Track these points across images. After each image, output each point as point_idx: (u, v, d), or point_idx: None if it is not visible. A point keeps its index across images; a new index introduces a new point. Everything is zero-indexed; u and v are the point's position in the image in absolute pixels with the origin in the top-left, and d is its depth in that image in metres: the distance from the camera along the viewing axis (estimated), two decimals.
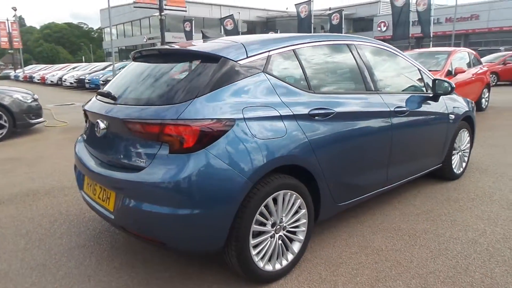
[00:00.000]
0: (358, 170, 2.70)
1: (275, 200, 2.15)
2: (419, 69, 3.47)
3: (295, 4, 19.77)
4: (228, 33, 22.98)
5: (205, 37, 3.48)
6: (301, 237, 2.34)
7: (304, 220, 2.34)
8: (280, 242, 2.24)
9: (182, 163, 1.87)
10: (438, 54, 8.06)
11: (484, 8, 33.05)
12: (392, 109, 2.91)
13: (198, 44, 2.49)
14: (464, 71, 7.60)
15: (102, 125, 2.24)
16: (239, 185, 1.94)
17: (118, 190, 2.09)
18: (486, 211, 3.20)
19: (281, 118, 2.16)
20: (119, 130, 2.16)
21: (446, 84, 3.33)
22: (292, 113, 2.21)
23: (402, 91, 3.26)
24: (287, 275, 2.30)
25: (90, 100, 2.77)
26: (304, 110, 2.28)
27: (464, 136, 4.02)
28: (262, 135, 2.05)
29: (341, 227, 2.95)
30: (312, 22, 19.54)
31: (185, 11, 14.31)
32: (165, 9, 12.77)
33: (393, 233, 2.84)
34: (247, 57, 2.18)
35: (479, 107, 8.64)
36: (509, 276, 2.25)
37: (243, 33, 25.57)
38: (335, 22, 23.37)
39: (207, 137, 1.90)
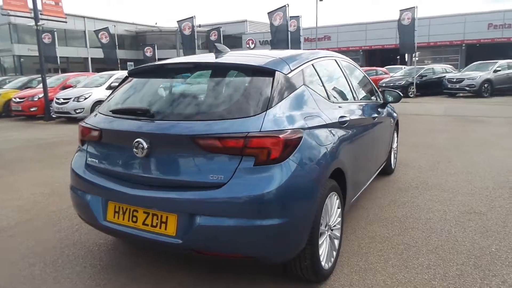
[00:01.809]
0: (360, 169, 3.06)
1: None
2: (370, 81, 4.07)
3: (178, 21, 19.70)
4: (104, 46, 21.45)
5: (217, 52, 3.31)
6: (338, 234, 2.56)
7: (339, 219, 2.56)
8: (329, 240, 2.41)
9: (271, 174, 1.90)
10: None
11: (333, 30, 38.75)
12: (370, 115, 3.38)
13: (238, 58, 2.50)
14: None
15: (145, 144, 2.06)
16: (316, 190, 2.07)
17: (187, 210, 1.95)
18: (433, 195, 3.94)
19: (326, 126, 2.35)
20: (177, 148, 2.03)
21: (395, 94, 3.99)
22: (331, 121, 2.43)
23: (366, 99, 3.78)
24: (333, 271, 2.48)
25: (94, 117, 2.47)
26: (335, 118, 2.52)
27: (395, 137, 4.83)
28: (321, 142, 2.21)
29: None
30: (196, 38, 19.81)
31: (65, 22, 12.84)
32: (42, 19, 11.29)
33: (384, 222, 3.29)
34: (291, 71, 2.32)
35: None
36: (486, 239, 2.89)
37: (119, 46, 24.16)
38: (213, 38, 24.25)
39: (290, 147, 1.97)
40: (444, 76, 17.96)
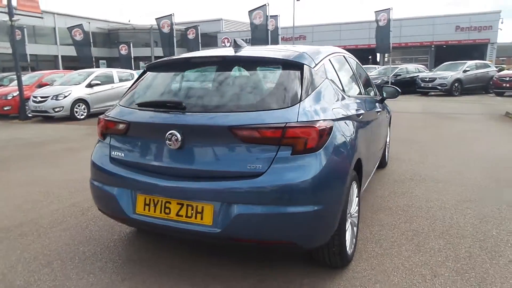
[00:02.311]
0: (369, 160, 3.20)
1: None
2: (369, 77, 4.24)
3: (156, 18, 19.41)
4: (77, 43, 20.81)
5: (236, 46, 3.29)
6: (356, 221, 2.67)
7: (357, 207, 2.68)
8: (350, 227, 2.52)
9: (308, 163, 1.98)
10: None
11: (308, 30, 39.32)
12: (374, 109, 3.53)
13: (263, 52, 2.56)
14: None
15: (179, 136, 2.09)
16: (346, 178, 2.17)
17: (225, 199, 2.00)
18: (428, 186, 4.15)
19: (348, 118, 2.46)
20: (213, 139, 2.07)
21: (393, 90, 4.17)
22: (351, 114, 2.54)
23: (368, 94, 3.93)
24: (353, 257, 2.60)
25: (116, 110, 2.46)
26: (353, 111, 2.64)
27: (388, 131, 5.02)
28: (346, 133, 2.32)
29: None
30: (175, 36, 19.60)
31: (41, 17, 12.40)
32: (17, 14, 10.84)
33: (389, 211, 3.44)
34: (316, 64, 2.41)
35: None
36: (486, 224, 3.10)
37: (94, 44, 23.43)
38: (191, 36, 24.05)
39: (324, 136, 2.05)
40: (418, 76, 18.65)
